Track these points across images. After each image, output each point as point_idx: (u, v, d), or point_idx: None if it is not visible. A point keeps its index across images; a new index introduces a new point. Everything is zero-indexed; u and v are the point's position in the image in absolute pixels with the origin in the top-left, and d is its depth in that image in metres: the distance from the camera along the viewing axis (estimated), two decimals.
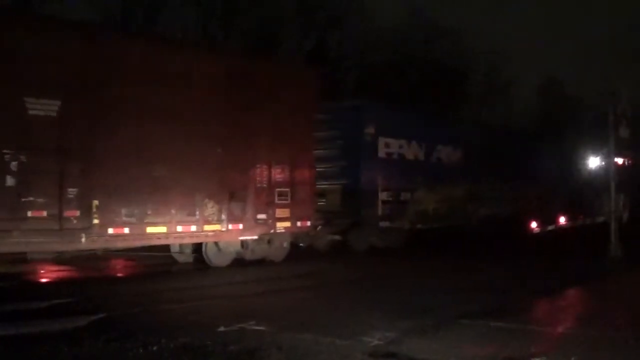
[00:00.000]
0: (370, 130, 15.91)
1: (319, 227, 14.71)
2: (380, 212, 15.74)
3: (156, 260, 13.07)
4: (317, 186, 14.47)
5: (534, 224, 21.22)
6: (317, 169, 14.35)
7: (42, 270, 11.66)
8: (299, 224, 13.35)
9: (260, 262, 12.97)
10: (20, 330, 6.80)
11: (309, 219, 13.57)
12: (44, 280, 11.28)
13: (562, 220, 23.18)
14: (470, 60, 38.18)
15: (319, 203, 14.72)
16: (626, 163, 21.16)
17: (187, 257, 12.69)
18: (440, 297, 9.28)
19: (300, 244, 14.56)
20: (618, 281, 11.70)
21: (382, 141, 16.23)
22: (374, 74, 33.66)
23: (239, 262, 12.67)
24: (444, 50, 36.95)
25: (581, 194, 24.09)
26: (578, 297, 10.39)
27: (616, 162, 15.83)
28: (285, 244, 13.52)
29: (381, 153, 16.26)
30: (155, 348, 6.03)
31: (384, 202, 15.82)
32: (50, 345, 6.08)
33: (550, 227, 22.08)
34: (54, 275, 11.47)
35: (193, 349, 6.05)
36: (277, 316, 7.70)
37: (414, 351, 6.12)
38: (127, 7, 26.91)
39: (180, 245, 12.41)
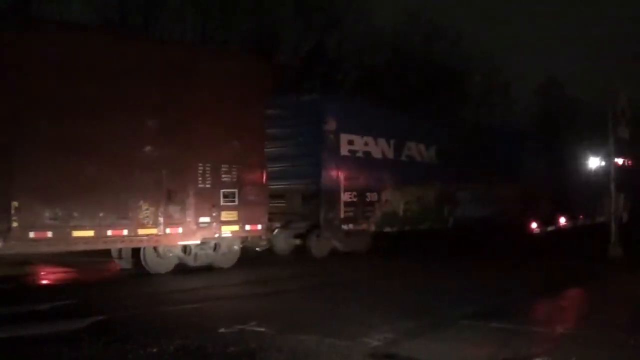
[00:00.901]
0: (330, 126, 14.78)
1: (276, 230, 14.12)
2: (342, 214, 14.75)
3: None
4: (277, 187, 13.90)
5: (534, 225, 21.15)
6: (277, 168, 13.82)
7: (42, 272, 11.65)
8: (248, 227, 12.31)
9: (209, 269, 12.11)
10: (19, 333, 6.79)
11: (260, 222, 12.52)
12: (43, 282, 11.27)
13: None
14: (469, 61, 38.20)
15: (278, 205, 14.13)
16: (626, 163, 21.20)
17: (126, 263, 11.72)
18: (440, 298, 9.28)
19: (257, 249, 13.53)
20: (618, 281, 11.71)
21: (344, 138, 15.08)
22: (373, 75, 33.68)
23: (182, 269, 11.87)
24: (443, 51, 36.99)
25: (579, 194, 23.80)
26: (578, 297, 10.40)
27: (616, 163, 15.83)
28: (235, 249, 12.48)
29: (344, 151, 15.07)
30: (154, 350, 6.03)
31: (346, 203, 14.86)
32: (50, 347, 6.08)
33: (550, 228, 22.01)
34: (54, 277, 11.47)
35: (193, 351, 6.05)
36: (277, 317, 7.70)
37: (413, 352, 6.13)
38: (125, 9, 26.91)
39: (120, 250, 11.50)
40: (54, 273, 12.02)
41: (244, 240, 12.68)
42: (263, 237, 12.97)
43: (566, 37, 72.35)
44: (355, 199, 15.09)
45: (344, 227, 14.90)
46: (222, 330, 6.91)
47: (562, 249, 17.55)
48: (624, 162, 20.01)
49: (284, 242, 14.71)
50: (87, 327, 7.02)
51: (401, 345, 6.39)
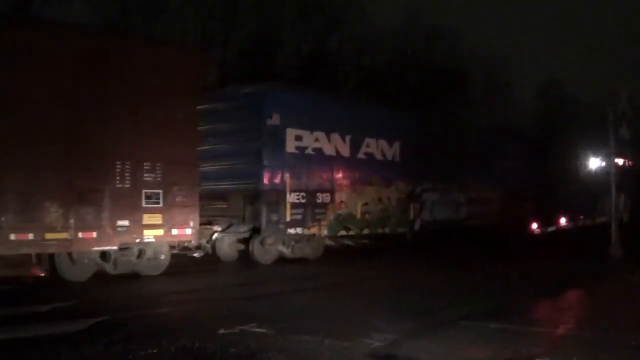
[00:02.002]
0: (274, 120, 13.38)
1: (215, 234, 13.03)
2: (288, 217, 13.45)
3: None
4: (218, 187, 13.38)
5: (534, 225, 21.05)
6: (218, 167, 13.29)
7: (42, 273, 11.62)
8: (175, 232, 11.24)
9: (136, 276, 11.24)
10: (20, 334, 6.79)
11: (189, 226, 11.41)
12: (44, 283, 11.25)
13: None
14: (470, 62, 38.21)
15: (220, 207, 13.42)
16: (626, 164, 21.20)
17: (44, 269, 10.71)
18: (441, 299, 9.28)
19: (195, 254, 12.45)
20: (618, 282, 11.70)
21: (291, 133, 13.66)
22: (373, 76, 33.69)
23: (101, 276, 11.13)
24: (444, 52, 36.99)
25: (575, 195, 23.15)
26: (578, 297, 10.39)
27: (616, 163, 15.84)
28: (162, 256, 11.40)
29: (290, 147, 13.65)
30: (155, 351, 6.03)
31: (293, 205, 13.56)
32: (51, 348, 6.08)
33: (551, 229, 21.93)
34: (54, 278, 11.44)
35: (193, 352, 6.06)
36: (278, 318, 7.70)
37: (414, 352, 6.14)
38: (126, 9, 26.92)
39: (38, 256, 10.45)
40: (54, 275, 12.00)
41: (179, 245, 11.70)
42: (193, 242, 11.78)
43: (567, 37, 72.38)
44: (303, 201, 13.79)
45: (291, 231, 13.57)
46: (222, 331, 6.91)
47: (561, 250, 17.55)
48: (624, 162, 20.02)
49: (228, 247, 13.78)
50: (87, 328, 7.03)
51: (402, 346, 6.39)
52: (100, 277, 10.89)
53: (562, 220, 22.61)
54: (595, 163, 23.99)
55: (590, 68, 67.00)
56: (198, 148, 11.79)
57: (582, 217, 23.93)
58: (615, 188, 15.42)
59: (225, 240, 13.63)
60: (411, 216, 16.54)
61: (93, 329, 7.04)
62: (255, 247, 13.50)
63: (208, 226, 12.80)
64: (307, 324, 7.37)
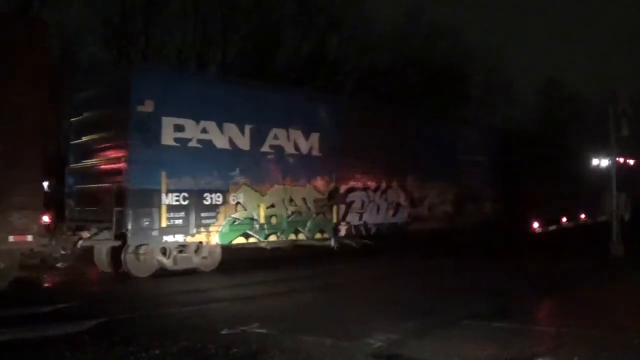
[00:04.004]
0: (146, 107, 11.32)
1: (79, 242, 11.18)
2: (164, 222, 11.41)
3: None
4: (89, 187, 12.03)
5: (535, 224, 20.88)
6: (90, 164, 12.09)
7: (45, 274, 11.64)
8: (12, 238, 9.65)
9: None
10: (23, 335, 6.80)
11: (30, 232, 9.79)
12: (46, 284, 11.27)
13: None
14: (470, 61, 38.22)
15: (92, 210, 11.91)
16: (627, 162, 21.17)
17: None
18: (442, 298, 9.28)
19: (58, 265, 11.22)
20: (620, 280, 11.70)
21: (168, 123, 11.62)
22: (373, 75, 33.69)
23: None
24: (444, 51, 36.99)
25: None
26: (580, 296, 10.36)
27: (617, 162, 15.85)
28: (2, 265, 9.95)
29: (167, 139, 11.62)
30: (157, 352, 6.04)
31: (171, 207, 11.51)
32: (53, 350, 6.08)
33: (551, 228, 21.83)
34: (56, 279, 11.46)
35: (195, 352, 6.06)
36: (280, 319, 7.71)
37: (416, 352, 6.14)
38: (126, 10, 26.93)
39: None
40: (55, 276, 12.02)
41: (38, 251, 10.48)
42: (35, 249, 10.39)
43: (567, 36, 72.35)
44: (185, 203, 11.73)
45: (168, 238, 11.55)
46: (224, 331, 6.91)
47: (562, 249, 17.53)
48: (625, 161, 20.00)
49: (105, 257, 11.94)
50: (89, 329, 7.03)
51: (404, 346, 6.39)
52: (102, 278, 10.91)
53: (535, 225, 20.62)
54: (595, 162, 23.96)
55: (591, 67, 66.98)
56: (70, 143, 10.94)
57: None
58: (616, 187, 15.43)
59: (103, 249, 11.86)
60: (334, 220, 14.47)
61: (95, 330, 7.04)
62: (127, 257, 11.31)
63: (78, 232, 11.39)
64: (308, 324, 7.37)
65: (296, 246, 14.59)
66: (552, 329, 7.49)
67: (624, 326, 7.41)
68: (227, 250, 12.98)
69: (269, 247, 13.95)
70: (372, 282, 11.58)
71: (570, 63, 73.50)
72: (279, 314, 8.19)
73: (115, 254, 11.54)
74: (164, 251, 11.81)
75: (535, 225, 20.69)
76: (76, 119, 12.72)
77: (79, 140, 12.44)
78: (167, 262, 11.83)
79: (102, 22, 26.51)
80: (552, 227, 21.66)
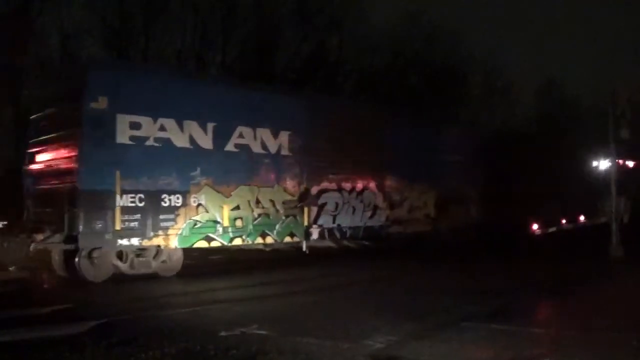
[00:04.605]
0: (100, 104, 10.76)
1: (32, 245, 10.78)
2: (118, 225, 10.82)
3: None
4: (45, 188, 11.64)
5: (535, 226, 20.89)
6: (45, 163, 11.65)
7: (44, 275, 11.64)
8: None
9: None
10: (22, 336, 6.80)
11: None
12: (45, 286, 11.26)
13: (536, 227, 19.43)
14: (470, 62, 38.27)
15: (46, 210, 11.43)
16: (626, 164, 21.16)
17: None
18: (441, 300, 9.28)
19: (10, 269, 10.96)
20: (619, 282, 11.70)
21: (123, 120, 11.02)
22: (373, 76, 33.71)
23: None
24: (444, 52, 37.03)
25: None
26: (580, 298, 10.36)
27: (617, 163, 15.84)
28: None
29: (122, 138, 11.01)
30: (156, 353, 6.03)
31: (126, 210, 10.92)
32: (53, 351, 6.08)
33: (551, 229, 21.85)
34: (55, 280, 11.46)
35: (194, 354, 6.06)
36: (279, 320, 7.71)
37: (416, 354, 6.14)
38: (125, 12, 26.94)
39: None
40: (54, 277, 12.02)
41: None
42: None
43: (567, 38, 72.41)
44: (141, 204, 11.13)
45: (123, 242, 10.96)
46: (223, 333, 6.91)
47: (562, 250, 17.53)
48: (624, 162, 19.99)
49: (59, 259, 11.46)
50: (89, 330, 7.03)
51: (403, 347, 6.39)
52: (101, 279, 10.90)
53: (535, 227, 20.21)
54: (595, 163, 23.97)
55: (591, 68, 67.05)
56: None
57: (582, 217, 23.82)
58: (615, 189, 15.43)
59: (57, 252, 11.37)
60: (305, 222, 13.77)
61: (94, 331, 7.04)
62: (80, 261, 10.84)
63: (34, 235, 10.93)
64: (308, 326, 7.37)
65: (295, 248, 14.56)
66: (551, 331, 7.49)
67: (623, 327, 7.41)
68: (226, 251, 12.98)
69: (268, 249, 13.93)
70: (371, 284, 11.57)
71: (570, 64, 73.59)
72: (278, 315, 8.19)
73: (70, 257, 11.06)
74: (120, 255, 11.31)
75: (535, 227, 20.69)
76: (35, 116, 12.34)
77: (38, 139, 11.94)
78: (123, 266, 11.33)
79: (102, 22, 26.52)
80: (552, 229, 21.64)
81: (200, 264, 13.56)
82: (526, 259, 15.25)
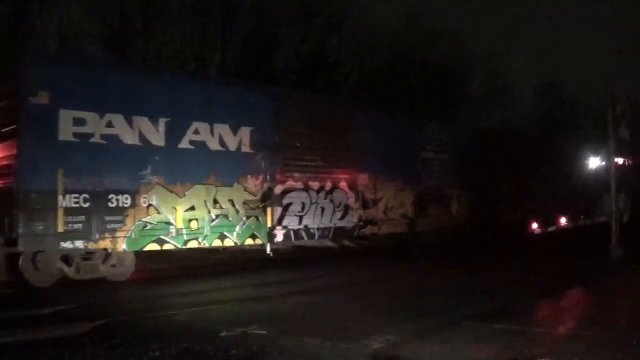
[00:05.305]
0: (41, 99, 10.22)
1: None
2: (61, 227, 10.23)
3: (156, 265, 13.05)
4: None
5: (534, 225, 20.86)
6: None
7: None
8: None
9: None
10: (22, 337, 6.80)
11: None
12: (45, 286, 11.25)
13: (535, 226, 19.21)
14: (469, 62, 38.30)
15: None
16: (626, 163, 21.16)
17: None
18: (442, 300, 9.28)
19: None
20: (619, 281, 11.70)
21: (67, 116, 10.41)
22: (373, 77, 33.73)
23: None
24: (443, 53, 37.07)
25: (570, 195, 22.30)
26: (580, 297, 10.38)
27: (617, 162, 15.83)
28: None
29: (65, 134, 10.42)
30: (157, 354, 6.03)
31: (70, 211, 10.31)
32: (53, 352, 6.09)
33: (550, 228, 21.83)
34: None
35: (194, 354, 6.06)
36: (279, 320, 7.70)
37: (416, 354, 6.13)
38: (125, 14, 26.95)
39: None
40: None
41: None
42: None
43: (566, 38, 72.43)
44: (86, 205, 10.50)
45: (66, 245, 10.35)
46: (223, 333, 6.91)
47: (562, 250, 17.52)
48: (624, 161, 19.98)
49: (2, 263, 10.78)
50: (89, 331, 7.03)
51: (403, 347, 6.39)
52: (101, 280, 10.90)
53: (534, 226, 19.81)
54: (594, 162, 23.99)
55: (591, 68, 67.06)
56: None
57: (581, 217, 23.76)
58: (614, 188, 15.42)
59: (2, 256, 10.71)
60: (268, 224, 13.10)
61: (95, 331, 7.04)
62: (23, 265, 10.31)
63: None
64: (308, 326, 7.37)
65: (296, 249, 14.54)
66: (552, 330, 7.49)
67: (623, 327, 7.41)
68: (226, 252, 12.96)
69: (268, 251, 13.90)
70: (370, 284, 11.58)
71: (570, 64, 73.62)
72: (278, 315, 8.19)
73: (14, 261, 10.49)
74: (66, 259, 10.70)
75: (534, 226, 20.67)
76: None
77: None
78: (69, 270, 10.75)
79: (102, 23, 26.55)
80: (552, 228, 21.63)
81: (200, 264, 13.56)
82: (526, 259, 15.24)
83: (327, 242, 15.11)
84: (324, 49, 32.86)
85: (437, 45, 36.99)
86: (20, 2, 23.51)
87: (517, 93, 43.70)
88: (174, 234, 11.61)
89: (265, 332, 6.99)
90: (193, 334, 6.81)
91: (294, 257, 14.79)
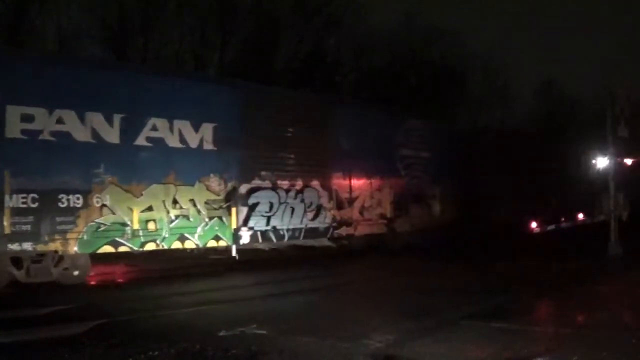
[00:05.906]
0: None
1: None
2: (7, 228, 9.78)
3: (155, 265, 13.06)
4: None
5: (533, 224, 20.84)
6: None
7: None
8: None
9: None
10: (21, 337, 6.79)
11: None
12: (44, 286, 11.25)
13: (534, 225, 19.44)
14: (468, 62, 38.30)
15: None
16: (625, 162, 21.16)
17: None
18: (441, 299, 9.28)
19: None
20: (618, 280, 11.70)
21: (14, 112, 9.96)
22: (372, 77, 33.73)
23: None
24: (442, 52, 37.07)
25: (569, 194, 22.27)
26: (578, 296, 10.36)
27: (616, 161, 15.85)
28: None
29: (11, 131, 9.96)
30: (156, 353, 6.03)
31: (17, 211, 9.84)
32: (52, 352, 6.08)
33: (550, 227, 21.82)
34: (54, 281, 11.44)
35: (194, 354, 6.06)
36: (278, 320, 7.71)
37: (415, 353, 6.13)
38: (124, 14, 26.94)
39: None
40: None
41: None
42: None
43: (566, 38, 72.44)
44: (35, 205, 10.00)
45: (13, 247, 9.87)
46: (222, 333, 6.91)
47: (561, 249, 17.53)
48: (623, 161, 20.00)
49: None
50: (88, 331, 7.03)
51: (402, 346, 6.39)
52: (101, 280, 10.91)
53: (533, 225, 19.70)
54: (593, 162, 23.99)
55: (590, 67, 67.14)
56: None
57: (581, 216, 23.83)
58: (614, 187, 15.44)
59: None
60: (233, 225, 12.49)
61: (93, 331, 7.04)
62: None
63: None
64: (307, 325, 7.37)
65: (294, 248, 14.53)
66: (551, 329, 7.49)
67: (622, 325, 7.41)
68: (226, 252, 12.94)
69: (266, 249, 13.89)
70: (369, 283, 11.58)
71: (569, 64, 73.61)
72: (278, 315, 8.19)
73: None
74: (16, 261, 10.24)
75: (533, 225, 20.66)
76: None
77: None
78: (18, 273, 10.27)
79: (100, 23, 26.52)
80: (551, 227, 21.63)
81: (199, 264, 13.56)
82: (524, 257, 15.24)
83: (325, 242, 15.05)
84: (323, 49, 32.86)
85: (436, 44, 36.97)
86: (20, 2, 23.49)
87: (516, 93, 43.73)
88: (129, 236, 11.07)
89: (264, 331, 6.99)
90: (192, 334, 6.81)
91: (292, 257, 14.80)
